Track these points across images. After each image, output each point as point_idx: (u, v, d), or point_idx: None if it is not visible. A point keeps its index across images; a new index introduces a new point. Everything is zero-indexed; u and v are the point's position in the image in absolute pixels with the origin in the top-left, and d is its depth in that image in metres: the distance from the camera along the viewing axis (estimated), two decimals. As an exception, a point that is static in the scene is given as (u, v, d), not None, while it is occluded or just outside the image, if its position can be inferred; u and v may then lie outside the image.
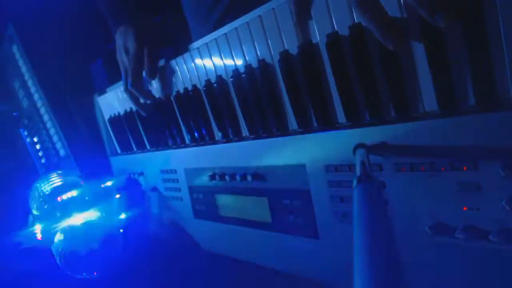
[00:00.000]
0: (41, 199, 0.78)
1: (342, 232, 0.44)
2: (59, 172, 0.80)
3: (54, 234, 0.74)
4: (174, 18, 0.95)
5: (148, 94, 0.72)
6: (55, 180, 0.79)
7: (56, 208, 0.78)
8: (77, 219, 0.75)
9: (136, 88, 0.70)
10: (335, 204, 0.44)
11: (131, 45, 0.69)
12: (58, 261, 0.71)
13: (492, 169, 0.31)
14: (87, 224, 0.74)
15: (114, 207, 0.82)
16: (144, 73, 0.69)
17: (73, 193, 0.79)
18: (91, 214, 0.76)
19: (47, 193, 0.78)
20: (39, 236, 0.79)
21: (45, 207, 0.78)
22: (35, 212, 0.81)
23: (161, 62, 0.68)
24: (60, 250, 0.71)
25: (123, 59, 0.72)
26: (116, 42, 0.73)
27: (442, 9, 0.31)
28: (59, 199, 0.79)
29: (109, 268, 0.73)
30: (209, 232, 0.66)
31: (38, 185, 0.78)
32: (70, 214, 0.77)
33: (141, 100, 0.74)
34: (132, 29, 0.69)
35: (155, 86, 0.72)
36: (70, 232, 0.72)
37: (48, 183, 0.78)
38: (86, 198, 0.81)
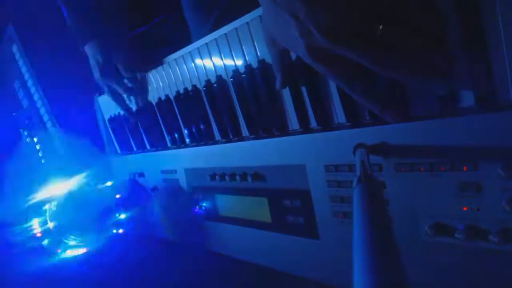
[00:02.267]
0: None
1: (342, 232, 0.44)
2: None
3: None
4: (174, 18, 0.95)
5: (122, 105, 0.81)
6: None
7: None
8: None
9: (113, 99, 0.80)
10: (335, 204, 0.44)
11: (97, 59, 0.75)
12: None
13: (492, 169, 0.31)
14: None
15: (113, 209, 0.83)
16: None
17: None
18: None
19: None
20: (38, 233, 0.79)
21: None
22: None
23: (161, 62, 0.68)
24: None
25: (95, 75, 0.79)
26: (89, 59, 0.78)
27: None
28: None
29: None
30: (209, 232, 0.66)
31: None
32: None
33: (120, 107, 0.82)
34: (97, 45, 0.75)
35: (155, 86, 0.72)
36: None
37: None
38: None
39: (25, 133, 1.27)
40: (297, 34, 0.33)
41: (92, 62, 0.78)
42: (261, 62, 0.49)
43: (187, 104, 0.65)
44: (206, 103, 0.61)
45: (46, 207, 0.72)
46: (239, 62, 0.53)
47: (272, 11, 0.36)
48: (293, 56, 0.45)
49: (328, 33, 0.31)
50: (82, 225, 0.74)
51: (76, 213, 0.75)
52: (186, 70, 0.62)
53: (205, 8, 0.73)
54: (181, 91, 0.65)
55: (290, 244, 0.51)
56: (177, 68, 0.64)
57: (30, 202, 0.82)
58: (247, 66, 0.51)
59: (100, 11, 0.77)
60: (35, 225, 0.79)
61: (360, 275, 0.19)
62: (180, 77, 0.64)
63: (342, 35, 0.31)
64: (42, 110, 1.08)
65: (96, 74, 0.78)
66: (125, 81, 0.78)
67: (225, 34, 0.53)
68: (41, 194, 0.81)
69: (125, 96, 0.81)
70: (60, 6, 0.80)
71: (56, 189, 0.78)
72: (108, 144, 0.95)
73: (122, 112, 0.84)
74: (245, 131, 0.56)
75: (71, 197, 0.75)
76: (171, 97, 0.68)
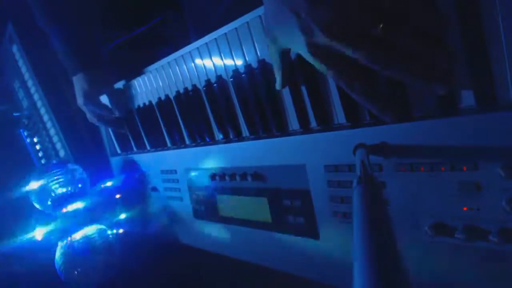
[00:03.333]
0: (48, 197, 0.79)
1: (342, 232, 0.44)
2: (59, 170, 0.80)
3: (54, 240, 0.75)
4: (174, 18, 0.95)
5: (112, 124, 0.85)
6: (60, 180, 0.79)
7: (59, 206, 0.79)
8: (77, 235, 0.76)
9: (100, 123, 0.85)
10: (335, 204, 0.44)
11: (79, 99, 0.81)
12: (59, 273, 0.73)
13: (492, 169, 0.31)
14: (85, 240, 0.75)
15: (114, 209, 0.83)
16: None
17: (78, 205, 0.80)
18: (90, 229, 0.77)
19: (53, 194, 0.78)
20: (39, 237, 0.79)
21: (49, 203, 0.79)
22: (37, 205, 0.81)
23: (162, 62, 0.68)
24: (61, 266, 0.73)
25: (79, 103, 0.83)
26: (75, 86, 0.82)
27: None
28: (64, 210, 0.79)
29: (108, 277, 0.74)
30: (209, 232, 0.66)
31: (44, 181, 0.78)
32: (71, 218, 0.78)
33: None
34: (79, 84, 0.79)
35: (155, 86, 0.72)
36: (69, 248, 0.73)
37: (54, 181, 0.78)
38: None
39: (25, 133, 1.27)
40: (298, 31, 0.34)
41: (78, 92, 0.81)
42: (261, 62, 0.49)
43: (187, 104, 0.65)
44: (206, 103, 0.61)
45: (57, 250, 0.74)
46: (239, 62, 0.53)
47: (273, 8, 0.36)
48: (293, 55, 0.45)
49: (329, 30, 0.31)
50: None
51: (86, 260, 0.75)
52: (186, 70, 0.62)
53: (206, 8, 0.73)
54: (181, 91, 0.65)
55: (290, 244, 0.51)
56: (177, 68, 0.64)
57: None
58: (247, 66, 0.51)
59: (89, 43, 0.80)
60: (38, 233, 0.79)
61: (360, 275, 0.19)
62: (180, 77, 0.64)
63: (343, 33, 0.31)
64: (42, 110, 1.08)
65: (80, 101, 0.82)
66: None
67: (225, 34, 0.53)
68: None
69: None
70: (48, 35, 0.81)
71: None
72: (108, 144, 0.95)
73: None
74: (245, 131, 0.56)
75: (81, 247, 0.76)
76: (171, 97, 0.68)
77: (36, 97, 1.08)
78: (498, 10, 0.30)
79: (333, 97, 0.44)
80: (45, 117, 1.08)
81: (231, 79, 0.54)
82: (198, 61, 0.59)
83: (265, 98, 0.51)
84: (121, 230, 0.84)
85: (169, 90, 0.68)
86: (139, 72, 0.75)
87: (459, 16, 0.32)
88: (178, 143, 0.71)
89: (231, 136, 0.59)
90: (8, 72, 1.20)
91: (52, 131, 1.07)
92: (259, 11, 0.47)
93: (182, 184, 0.70)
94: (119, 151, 0.93)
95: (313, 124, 0.47)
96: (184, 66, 0.62)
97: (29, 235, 0.78)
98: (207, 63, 0.58)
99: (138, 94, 0.78)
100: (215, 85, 0.57)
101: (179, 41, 0.96)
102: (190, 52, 0.60)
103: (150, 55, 0.79)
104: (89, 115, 0.84)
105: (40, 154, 1.23)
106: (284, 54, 0.42)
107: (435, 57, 0.31)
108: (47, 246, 0.76)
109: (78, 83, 0.79)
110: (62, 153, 1.06)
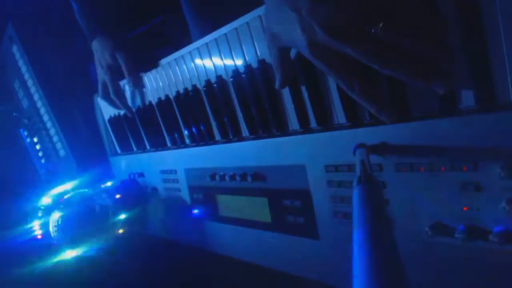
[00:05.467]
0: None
1: (342, 232, 0.44)
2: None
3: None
4: (174, 18, 0.95)
5: (125, 104, 0.79)
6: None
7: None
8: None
9: (116, 98, 0.78)
10: (335, 204, 0.44)
11: (105, 57, 0.76)
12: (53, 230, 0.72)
13: (492, 169, 0.31)
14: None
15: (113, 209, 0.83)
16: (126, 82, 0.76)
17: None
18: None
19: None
20: (39, 234, 0.79)
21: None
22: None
23: (162, 62, 0.68)
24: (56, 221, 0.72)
25: (99, 71, 0.79)
26: (94, 54, 0.79)
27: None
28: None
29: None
30: (209, 232, 0.66)
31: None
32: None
33: (121, 107, 0.81)
34: (105, 41, 0.76)
35: (155, 86, 0.72)
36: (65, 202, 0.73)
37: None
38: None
39: (25, 133, 1.27)
40: (299, 29, 0.34)
41: (97, 57, 0.79)
42: (261, 62, 0.49)
43: (187, 104, 0.65)
44: (206, 103, 0.61)
45: (51, 222, 0.73)
46: (239, 62, 0.53)
47: (274, 6, 0.37)
48: (293, 55, 0.45)
49: (329, 29, 0.31)
50: (84, 233, 0.75)
51: (79, 223, 0.75)
52: (186, 70, 0.62)
53: (206, 8, 0.73)
54: (181, 91, 0.65)
55: (290, 244, 0.51)
56: (177, 68, 0.64)
57: (36, 203, 0.83)
58: (247, 66, 0.51)
59: (111, 7, 0.79)
60: (36, 227, 0.79)
61: (360, 275, 0.19)
62: (180, 77, 0.64)
63: (343, 32, 0.31)
64: (42, 110, 1.08)
65: (99, 71, 0.79)
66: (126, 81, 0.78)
67: (225, 34, 0.53)
68: (44, 199, 0.82)
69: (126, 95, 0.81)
70: (67, 2, 0.81)
71: (57, 194, 0.79)
72: (108, 144, 0.95)
73: (122, 112, 0.84)
74: (245, 131, 0.56)
75: (72, 207, 0.76)
76: (171, 97, 0.68)
77: (36, 97, 1.08)
78: (498, 10, 0.30)
79: (333, 97, 0.44)
80: (45, 117, 1.08)
81: (231, 79, 0.54)
82: (198, 61, 0.59)
83: (265, 98, 0.51)
84: (121, 231, 0.84)
85: (169, 90, 0.68)
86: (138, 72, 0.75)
87: (459, 16, 0.32)
88: (178, 143, 0.71)
89: (231, 136, 0.59)
90: (8, 72, 1.20)
91: (52, 131, 1.07)
92: (259, 11, 0.47)
93: (182, 184, 0.70)
94: (119, 151, 0.93)
95: (313, 124, 0.47)
96: (184, 66, 0.62)
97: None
98: (207, 63, 0.58)
99: (138, 94, 0.78)
100: (215, 85, 0.57)
101: (179, 41, 0.96)
102: (190, 52, 0.60)
103: (150, 55, 0.79)
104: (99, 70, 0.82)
105: (40, 154, 1.23)
106: (284, 53, 0.42)
107: (435, 56, 0.31)
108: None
109: (96, 44, 0.78)
110: (62, 153, 1.06)
